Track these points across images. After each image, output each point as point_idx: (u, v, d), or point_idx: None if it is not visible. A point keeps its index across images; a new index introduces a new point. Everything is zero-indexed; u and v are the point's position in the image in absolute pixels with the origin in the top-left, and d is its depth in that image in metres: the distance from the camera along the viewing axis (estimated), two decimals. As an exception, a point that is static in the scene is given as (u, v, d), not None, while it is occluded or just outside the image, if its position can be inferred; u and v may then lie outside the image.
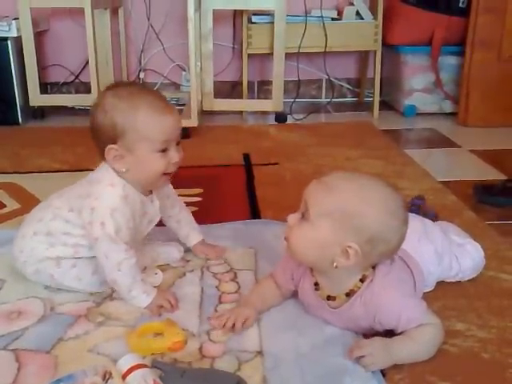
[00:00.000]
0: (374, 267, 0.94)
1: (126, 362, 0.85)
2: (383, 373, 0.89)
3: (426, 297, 1.06)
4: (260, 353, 0.93)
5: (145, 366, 0.85)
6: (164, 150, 1.05)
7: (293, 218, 0.93)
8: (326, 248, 0.90)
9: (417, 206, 1.34)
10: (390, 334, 0.93)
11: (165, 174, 1.09)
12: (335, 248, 0.89)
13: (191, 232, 1.27)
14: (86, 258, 1.10)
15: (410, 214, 1.19)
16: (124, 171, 1.06)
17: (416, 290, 1.01)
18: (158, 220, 1.18)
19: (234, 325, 0.98)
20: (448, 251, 1.11)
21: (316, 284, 0.98)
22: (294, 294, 1.07)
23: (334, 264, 0.90)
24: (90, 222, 1.05)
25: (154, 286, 1.12)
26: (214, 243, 1.30)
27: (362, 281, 0.93)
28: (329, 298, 0.97)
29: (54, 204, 1.13)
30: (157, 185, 1.12)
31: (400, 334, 0.91)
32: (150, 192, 1.14)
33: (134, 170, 1.06)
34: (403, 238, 0.91)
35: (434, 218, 1.30)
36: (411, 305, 0.92)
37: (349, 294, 0.94)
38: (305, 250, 0.93)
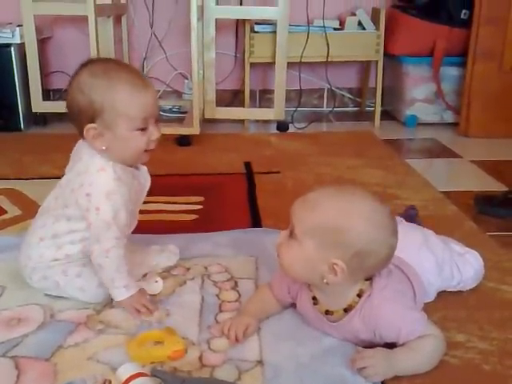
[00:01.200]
0: (370, 279, 0.94)
1: (125, 371, 0.85)
2: (383, 384, 0.88)
3: (427, 308, 1.06)
4: (260, 362, 0.93)
5: (144, 374, 0.85)
6: (143, 129, 1.04)
7: (282, 235, 0.94)
8: (313, 265, 0.90)
9: (412, 216, 1.34)
10: (390, 345, 0.92)
11: (145, 150, 1.07)
12: (322, 265, 0.89)
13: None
14: (92, 270, 1.09)
15: (410, 224, 1.21)
16: (104, 149, 1.04)
17: (416, 301, 1.01)
18: (149, 184, 1.16)
19: (235, 335, 0.97)
20: (449, 261, 1.10)
21: (314, 298, 0.98)
22: (293, 304, 1.06)
23: (324, 280, 0.90)
24: (88, 209, 1.04)
25: (155, 294, 1.13)
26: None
27: (359, 295, 0.93)
28: (327, 312, 0.97)
29: (51, 207, 1.12)
30: (137, 162, 1.11)
31: (401, 345, 0.91)
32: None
33: (114, 148, 1.04)
34: (393, 249, 0.91)
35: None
36: (411, 318, 0.91)
37: (347, 310, 0.94)
38: (294, 268, 0.94)
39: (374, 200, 0.91)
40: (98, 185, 1.03)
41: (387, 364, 0.88)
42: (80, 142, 1.10)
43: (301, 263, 0.92)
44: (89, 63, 1.05)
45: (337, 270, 0.88)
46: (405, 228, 1.13)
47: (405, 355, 0.89)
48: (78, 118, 1.04)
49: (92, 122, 1.02)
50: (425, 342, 0.90)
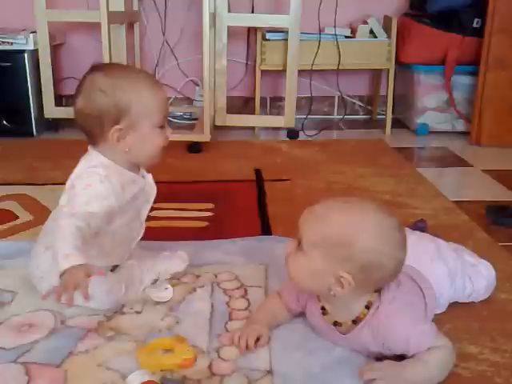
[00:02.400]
0: (378, 291, 0.93)
1: (135, 378, 0.85)
2: (394, 396, 0.88)
3: (438, 319, 1.05)
4: (270, 372, 0.93)
5: (154, 382, 0.85)
6: (162, 126, 1.07)
7: (289, 246, 0.94)
8: (320, 277, 0.90)
9: (421, 229, 1.32)
10: (400, 356, 0.92)
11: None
12: (329, 277, 0.89)
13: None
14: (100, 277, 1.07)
15: (423, 234, 1.20)
16: (127, 151, 1.06)
17: (427, 312, 1.00)
18: (154, 194, 1.17)
19: (247, 343, 0.97)
20: (461, 272, 1.10)
21: (323, 308, 0.98)
22: (303, 312, 1.06)
23: (332, 292, 0.90)
24: (74, 186, 1.04)
25: (165, 302, 1.13)
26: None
27: (367, 307, 0.93)
28: (336, 323, 0.96)
29: (57, 215, 1.10)
30: (154, 160, 1.12)
31: (411, 357, 0.90)
32: (138, 169, 1.14)
33: (136, 147, 1.06)
34: (401, 262, 0.90)
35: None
36: (420, 330, 0.90)
37: (356, 322, 0.94)
38: (302, 279, 0.94)
39: (381, 213, 0.90)
40: (96, 185, 1.02)
41: (396, 376, 0.88)
42: (90, 152, 1.10)
43: (308, 275, 0.92)
44: (96, 68, 1.06)
45: (343, 283, 0.88)
46: (418, 238, 1.14)
47: (414, 367, 0.89)
48: (98, 122, 1.04)
49: (117, 123, 1.03)
50: (434, 353, 0.89)
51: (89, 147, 1.11)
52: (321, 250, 0.89)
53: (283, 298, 1.06)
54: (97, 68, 1.06)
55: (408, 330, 0.90)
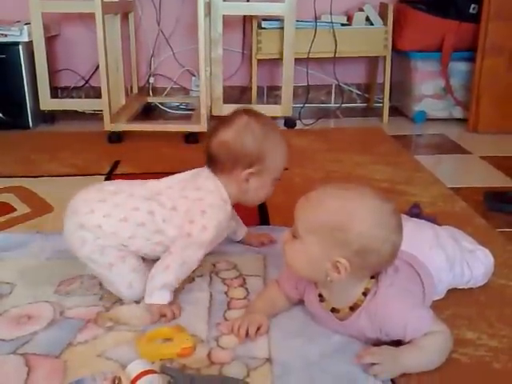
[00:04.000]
0: (376, 277, 0.93)
1: (135, 368, 0.85)
2: (393, 382, 0.88)
3: (436, 305, 1.06)
4: (269, 360, 0.93)
5: (154, 371, 0.85)
6: (278, 180, 1.17)
7: (286, 233, 0.95)
8: (317, 263, 0.91)
9: (416, 215, 1.32)
10: (398, 342, 0.92)
11: None
12: (326, 263, 0.89)
13: (238, 228, 1.33)
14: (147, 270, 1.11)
15: (421, 221, 1.20)
16: (244, 192, 1.15)
17: (425, 298, 1.01)
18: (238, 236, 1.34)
19: (247, 332, 0.97)
20: (459, 258, 1.10)
21: (320, 295, 0.98)
22: (302, 301, 1.06)
23: (328, 278, 0.91)
24: (192, 221, 1.09)
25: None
26: (257, 233, 1.37)
27: (364, 294, 0.93)
28: (333, 310, 0.97)
29: (154, 199, 1.11)
30: (251, 205, 1.24)
31: (408, 342, 0.91)
32: None
33: (253, 191, 1.16)
34: (396, 246, 0.90)
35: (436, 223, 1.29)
36: (417, 315, 0.91)
37: (353, 308, 0.94)
38: (299, 266, 0.95)
39: (376, 197, 0.90)
40: (215, 210, 1.11)
41: (394, 361, 0.88)
42: (204, 170, 1.17)
43: (304, 261, 0.93)
44: (252, 112, 1.16)
45: (340, 268, 0.88)
46: (416, 225, 1.14)
47: (412, 353, 0.89)
48: (235, 159, 1.12)
49: (250, 166, 1.12)
50: (432, 339, 0.90)
51: (208, 170, 1.16)
52: (316, 235, 0.89)
53: (282, 285, 1.06)
54: (250, 113, 1.15)
55: (405, 315, 0.90)
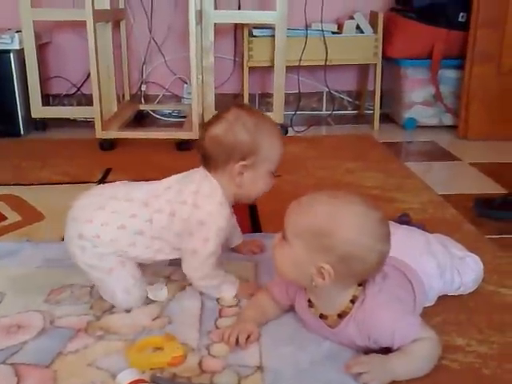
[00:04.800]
0: (363, 285, 0.94)
1: (125, 377, 0.85)
2: (383, 389, 0.88)
3: (426, 311, 1.06)
4: (260, 368, 0.93)
5: (144, 381, 0.85)
6: (273, 173, 1.15)
7: (276, 237, 0.96)
8: (302, 267, 0.91)
9: (405, 223, 1.33)
10: (388, 350, 0.92)
11: None
12: (311, 268, 0.90)
13: (235, 235, 1.33)
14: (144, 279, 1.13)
15: (412, 228, 1.21)
16: (239, 186, 1.13)
17: (416, 306, 1.01)
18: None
19: (237, 340, 0.97)
20: (450, 265, 1.11)
21: (310, 301, 0.99)
22: (292, 308, 1.06)
23: (313, 283, 0.91)
24: (191, 233, 1.09)
25: (159, 301, 1.14)
26: (250, 239, 1.38)
27: (352, 301, 0.93)
28: (322, 316, 0.97)
29: (152, 204, 1.10)
30: (251, 201, 1.22)
31: (397, 350, 0.91)
32: None
33: (248, 185, 1.13)
34: (382, 255, 0.90)
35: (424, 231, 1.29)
36: (404, 323, 0.91)
37: (341, 316, 0.94)
38: (286, 269, 0.95)
39: (364, 206, 0.90)
40: (214, 217, 1.09)
41: (383, 369, 0.88)
42: (199, 170, 1.15)
43: (291, 265, 0.93)
44: (242, 106, 1.19)
45: (324, 274, 0.89)
46: (408, 232, 1.15)
47: (400, 359, 0.89)
48: (228, 153, 1.10)
49: (243, 159, 1.10)
50: (420, 345, 0.90)
51: (203, 169, 1.14)
52: (303, 240, 0.90)
53: (273, 291, 1.06)
54: (241, 106, 1.16)
55: (393, 322, 0.90)
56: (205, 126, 1.16)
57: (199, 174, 1.14)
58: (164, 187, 1.13)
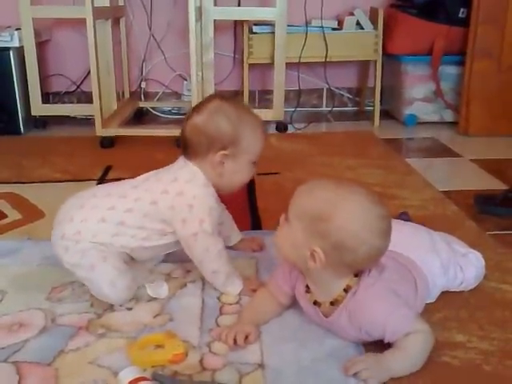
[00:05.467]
0: (359, 276, 0.94)
1: (126, 375, 0.85)
2: (384, 386, 0.88)
3: (427, 308, 1.07)
4: (261, 365, 0.93)
5: (146, 378, 0.85)
6: (254, 163, 1.16)
7: (281, 218, 0.98)
8: (299, 249, 0.93)
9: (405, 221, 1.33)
10: (384, 345, 0.92)
11: None
12: (305, 250, 0.91)
13: (233, 233, 1.33)
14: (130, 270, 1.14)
15: (417, 225, 1.21)
16: (220, 175, 1.13)
17: (417, 302, 1.01)
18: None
19: (235, 341, 0.97)
20: (453, 262, 1.11)
21: (307, 287, 1.00)
22: (292, 305, 1.07)
23: (307, 266, 0.92)
24: (185, 220, 1.10)
25: (160, 298, 1.14)
26: (250, 237, 1.38)
27: (346, 291, 0.94)
28: (315, 303, 0.98)
29: (130, 195, 1.13)
30: (232, 191, 1.21)
31: (392, 345, 0.91)
32: None
33: (229, 175, 1.14)
34: (377, 250, 0.91)
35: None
36: (396, 315, 0.91)
37: (333, 303, 0.95)
38: (285, 250, 0.97)
39: (367, 199, 0.91)
40: (201, 199, 1.11)
41: (379, 366, 0.89)
42: (178, 160, 1.17)
43: (290, 246, 0.95)
44: (225, 97, 1.16)
45: (316, 258, 0.90)
46: (413, 229, 1.16)
47: (395, 357, 0.90)
48: (209, 142, 1.11)
49: (224, 149, 1.11)
50: (413, 339, 0.90)
51: (183, 158, 1.16)
52: (302, 222, 0.92)
53: (277, 275, 1.06)
54: (224, 97, 1.16)
55: (384, 314, 0.91)
56: (188, 114, 1.17)
57: (177, 164, 1.17)
58: (142, 179, 1.16)
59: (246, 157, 1.13)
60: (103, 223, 1.11)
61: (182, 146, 1.15)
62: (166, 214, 1.11)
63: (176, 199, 1.11)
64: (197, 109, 1.14)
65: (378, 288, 0.93)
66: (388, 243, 0.91)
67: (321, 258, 0.90)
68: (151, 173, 1.18)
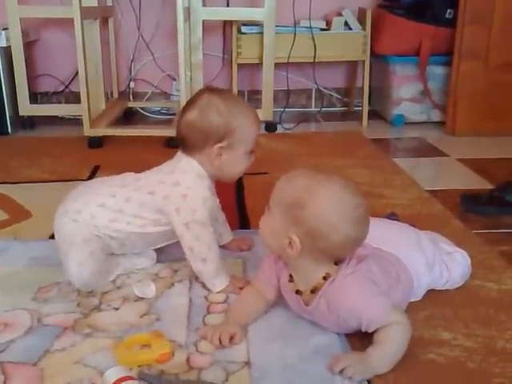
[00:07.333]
0: (339, 265, 0.95)
1: (112, 375, 0.85)
2: (369, 382, 0.89)
3: (413, 306, 1.08)
4: (247, 364, 0.94)
5: (132, 378, 0.85)
6: (251, 152, 1.18)
7: (266, 208, 0.99)
8: (278, 237, 0.94)
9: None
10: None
11: None
12: (284, 237, 0.93)
13: (225, 232, 1.35)
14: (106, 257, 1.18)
15: (405, 224, 1.22)
16: (219, 167, 1.16)
17: (401, 293, 1.03)
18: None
19: (220, 341, 0.97)
20: (438, 260, 1.12)
21: (291, 276, 1.01)
22: (278, 303, 1.07)
23: (286, 253, 0.94)
24: (178, 209, 1.14)
25: (147, 298, 1.14)
26: (241, 237, 1.38)
27: (325, 278, 0.95)
28: (298, 292, 0.99)
29: (130, 185, 1.19)
30: (232, 180, 1.27)
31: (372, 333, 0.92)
32: None
33: (225, 166, 1.17)
34: (350, 240, 0.92)
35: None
36: (372, 304, 0.92)
37: (313, 291, 0.97)
38: (266, 238, 0.99)
39: (343, 187, 0.92)
40: (195, 189, 1.15)
41: (362, 362, 0.90)
42: (177, 155, 1.21)
43: (270, 233, 0.97)
44: (214, 90, 1.18)
45: (292, 245, 0.92)
46: (400, 228, 1.17)
47: (377, 352, 0.91)
48: (204, 136, 1.14)
49: (220, 141, 1.14)
50: (392, 332, 0.91)
51: (181, 153, 1.20)
52: (279, 209, 0.94)
53: (263, 266, 1.07)
54: (212, 90, 1.18)
55: (359, 300, 0.92)
56: (180, 112, 1.20)
57: (175, 158, 1.21)
58: (144, 173, 1.23)
59: (243, 145, 1.16)
60: (102, 208, 1.17)
61: (179, 143, 1.19)
62: (162, 203, 1.15)
63: (172, 189, 1.15)
64: (188, 106, 1.17)
65: (356, 276, 0.94)
66: (365, 232, 0.93)
67: (297, 245, 0.91)
68: (154, 168, 1.23)
